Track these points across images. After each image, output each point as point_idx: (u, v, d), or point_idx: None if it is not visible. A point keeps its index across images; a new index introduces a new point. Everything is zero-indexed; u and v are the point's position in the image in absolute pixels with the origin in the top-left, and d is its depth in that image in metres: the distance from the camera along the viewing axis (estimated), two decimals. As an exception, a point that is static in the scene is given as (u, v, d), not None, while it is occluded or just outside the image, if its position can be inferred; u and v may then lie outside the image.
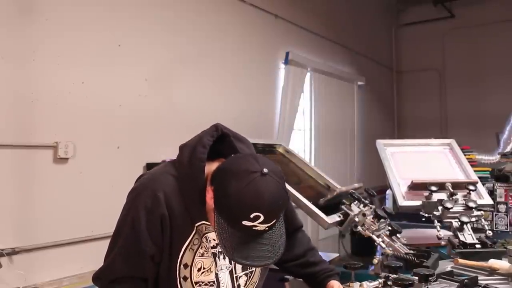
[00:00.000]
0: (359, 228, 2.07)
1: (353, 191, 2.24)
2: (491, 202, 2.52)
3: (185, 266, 1.26)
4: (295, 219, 1.61)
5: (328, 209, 2.15)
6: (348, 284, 1.57)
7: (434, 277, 1.53)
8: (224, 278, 1.32)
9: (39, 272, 2.46)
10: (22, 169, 2.47)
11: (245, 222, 1.12)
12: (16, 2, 2.47)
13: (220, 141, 1.32)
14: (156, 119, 3.19)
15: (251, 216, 1.11)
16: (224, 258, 1.31)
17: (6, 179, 2.39)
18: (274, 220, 1.15)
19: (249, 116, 4.06)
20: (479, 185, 2.52)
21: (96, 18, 2.83)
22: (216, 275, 1.30)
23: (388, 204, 3.48)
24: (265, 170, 1.14)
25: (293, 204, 2.16)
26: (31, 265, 2.43)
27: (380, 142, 2.75)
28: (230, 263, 1.33)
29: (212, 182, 1.21)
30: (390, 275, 1.54)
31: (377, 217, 2.07)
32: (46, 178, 2.55)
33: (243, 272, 1.35)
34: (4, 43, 2.39)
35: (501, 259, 1.86)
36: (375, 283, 1.53)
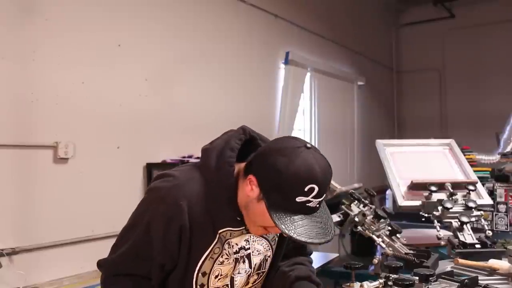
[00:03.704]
0: (359, 228, 2.07)
1: (352, 191, 2.24)
2: (490, 202, 2.52)
3: (203, 274, 1.23)
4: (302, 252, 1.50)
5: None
6: (348, 284, 1.56)
7: (434, 277, 1.53)
8: (240, 280, 1.31)
9: (39, 272, 2.46)
10: (22, 169, 2.47)
11: (299, 198, 1.08)
12: (16, 2, 2.47)
13: (246, 144, 1.25)
14: (156, 119, 3.20)
15: (306, 189, 1.08)
16: (244, 262, 1.29)
17: (6, 179, 2.39)
18: (325, 195, 1.13)
19: (249, 116, 4.06)
20: (479, 185, 2.52)
21: (96, 18, 2.83)
22: (232, 278, 1.28)
23: (388, 204, 3.48)
24: (308, 145, 1.13)
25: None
26: (31, 265, 2.43)
27: (379, 142, 2.75)
28: (250, 267, 1.31)
29: (249, 171, 1.16)
30: (390, 275, 1.54)
31: (377, 217, 2.07)
32: (46, 178, 2.55)
33: (256, 272, 1.34)
34: (4, 43, 2.40)
35: (500, 259, 1.86)
36: (376, 283, 1.53)
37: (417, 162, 2.65)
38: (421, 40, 7.43)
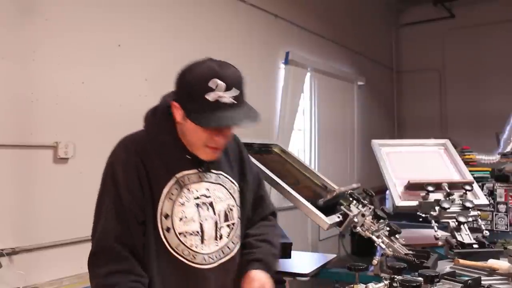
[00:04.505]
0: (359, 228, 2.07)
1: (352, 191, 2.24)
2: (486, 202, 2.52)
3: (166, 216, 1.26)
4: (265, 205, 1.53)
5: (326, 210, 2.15)
6: (352, 286, 1.56)
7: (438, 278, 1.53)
8: (208, 228, 1.31)
9: (39, 272, 2.46)
10: (22, 169, 2.47)
11: (208, 95, 1.16)
12: (16, 2, 2.47)
13: None
14: (156, 119, 3.19)
15: (210, 84, 1.16)
16: (208, 209, 1.32)
17: (6, 179, 2.39)
18: (235, 88, 1.20)
19: (249, 116, 4.05)
20: (475, 185, 2.52)
21: (96, 18, 2.84)
22: (201, 225, 1.30)
23: (388, 204, 3.48)
24: (215, 59, 1.25)
25: (291, 203, 2.15)
26: (31, 265, 2.44)
27: (375, 142, 2.75)
28: (215, 213, 1.33)
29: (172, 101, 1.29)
30: (394, 276, 1.52)
31: (376, 217, 2.07)
32: (46, 178, 2.55)
33: (225, 223, 1.36)
34: (4, 43, 2.40)
35: (499, 259, 1.87)
36: (380, 285, 1.52)
37: (412, 162, 2.66)
38: (421, 40, 7.43)
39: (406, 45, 7.72)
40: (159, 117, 1.34)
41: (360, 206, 2.13)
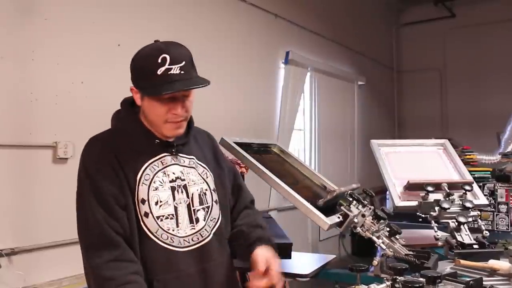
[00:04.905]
0: (359, 229, 2.06)
1: (352, 191, 2.23)
2: (486, 202, 2.51)
3: (143, 201, 1.28)
4: (245, 193, 1.58)
5: (326, 210, 2.14)
6: (353, 287, 1.55)
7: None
8: (182, 211, 1.33)
9: (39, 272, 2.46)
10: (21, 169, 2.47)
11: (160, 71, 1.24)
12: (16, 2, 2.47)
13: None
14: (156, 119, 3.19)
15: (159, 60, 1.25)
16: (182, 192, 1.34)
17: (5, 179, 2.39)
18: (184, 62, 1.27)
19: (249, 116, 4.05)
20: (474, 185, 2.51)
21: (96, 18, 2.83)
22: (175, 208, 1.32)
23: (389, 205, 3.48)
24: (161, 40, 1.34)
25: (291, 203, 2.14)
26: (31, 266, 2.43)
27: (374, 142, 2.73)
28: (188, 197, 1.35)
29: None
30: (396, 277, 1.52)
31: (376, 218, 2.06)
32: (45, 178, 2.55)
33: (200, 206, 1.37)
34: (4, 43, 2.40)
35: (499, 259, 1.86)
36: (383, 286, 1.51)
37: (412, 162, 2.64)
38: (422, 39, 7.42)
39: (406, 45, 7.72)
40: (123, 111, 1.40)
41: (360, 206, 2.12)
